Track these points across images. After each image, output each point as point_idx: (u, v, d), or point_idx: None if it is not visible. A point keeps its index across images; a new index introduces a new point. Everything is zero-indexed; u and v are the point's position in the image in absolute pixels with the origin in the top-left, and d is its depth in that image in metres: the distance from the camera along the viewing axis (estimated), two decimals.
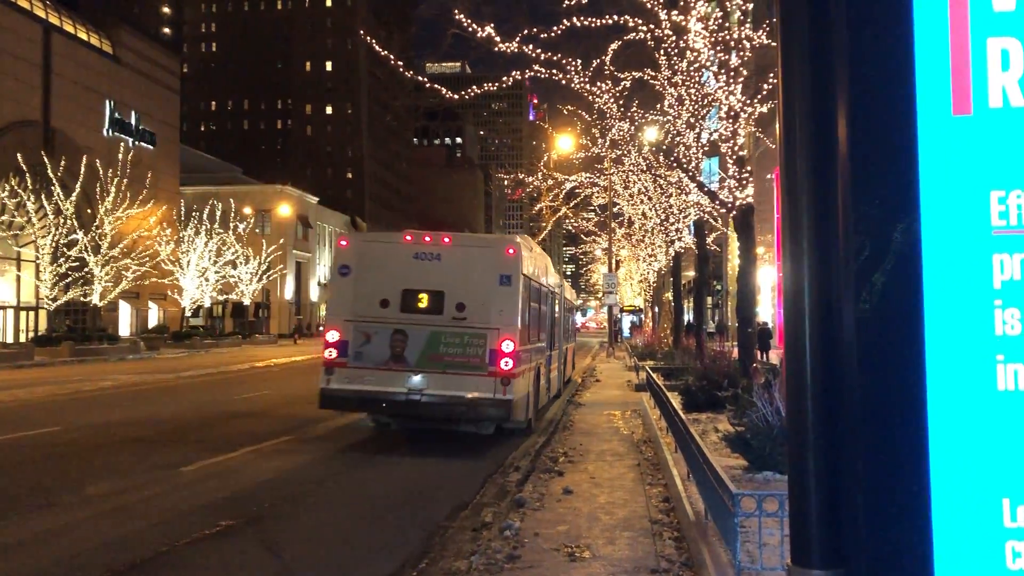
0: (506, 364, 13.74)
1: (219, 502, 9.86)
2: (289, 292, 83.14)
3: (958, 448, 2.35)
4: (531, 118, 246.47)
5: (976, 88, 2.40)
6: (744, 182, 16.43)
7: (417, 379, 13.76)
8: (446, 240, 14.69)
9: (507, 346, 13.81)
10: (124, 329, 58.39)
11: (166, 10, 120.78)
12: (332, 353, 14.14)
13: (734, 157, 16.43)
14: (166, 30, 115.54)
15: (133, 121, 60.58)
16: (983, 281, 2.38)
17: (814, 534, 2.44)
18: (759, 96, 15.85)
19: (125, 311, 59.85)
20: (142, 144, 60.57)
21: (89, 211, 47.46)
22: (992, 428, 2.35)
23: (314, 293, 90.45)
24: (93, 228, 45.69)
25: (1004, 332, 2.37)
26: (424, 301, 14.12)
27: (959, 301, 2.38)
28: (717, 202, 18.13)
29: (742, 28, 15.57)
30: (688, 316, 38.22)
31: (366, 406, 14.65)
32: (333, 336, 14.21)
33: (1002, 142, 2.39)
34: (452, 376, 13.76)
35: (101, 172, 47.81)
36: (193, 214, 58.59)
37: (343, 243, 15.34)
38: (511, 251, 14.49)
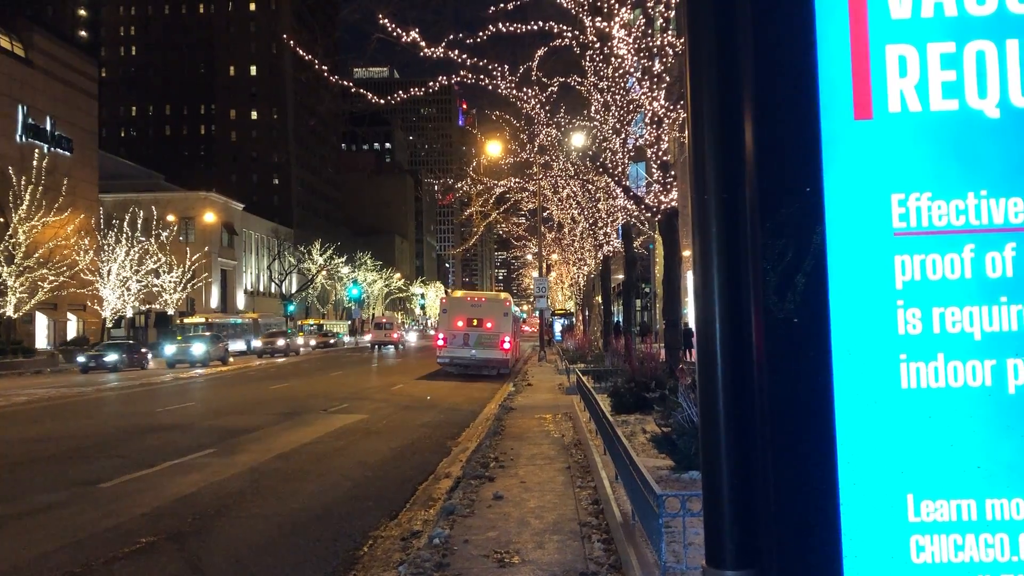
0: (507, 346, 33.41)
1: (139, 518, 9.58)
2: (215, 301, 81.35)
3: (864, 446, 2.40)
4: (460, 123, 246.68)
5: (876, 94, 2.45)
6: (669, 187, 16.64)
7: (474, 351, 32.79)
8: (483, 298, 35.92)
9: (507, 339, 33.34)
10: (41, 341, 56.31)
11: (82, 12, 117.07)
12: (440, 343, 33.95)
13: (659, 162, 16.64)
14: (82, 33, 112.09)
15: (48, 126, 58.51)
16: (886, 282, 2.43)
17: (727, 535, 2.46)
18: (682, 102, 16.08)
19: (42, 323, 57.72)
20: (58, 150, 58.57)
21: (2, 220, 45.75)
22: (896, 426, 2.40)
23: (241, 301, 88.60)
24: (6, 238, 44.12)
25: (906, 332, 2.42)
26: (476, 322, 33.08)
27: (863, 302, 2.43)
28: (643, 206, 18.35)
29: (664, 35, 15.78)
30: (618, 318, 38.58)
31: (454, 361, 33.26)
32: (440, 335, 34.25)
33: (901, 146, 2.45)
34: (487, 350, 32.83)
35: (14, 179, 46.20)
36: (113, 222, 56.92)
37: (444, 299, 38.00)
38: (508, 303, 34.92)
